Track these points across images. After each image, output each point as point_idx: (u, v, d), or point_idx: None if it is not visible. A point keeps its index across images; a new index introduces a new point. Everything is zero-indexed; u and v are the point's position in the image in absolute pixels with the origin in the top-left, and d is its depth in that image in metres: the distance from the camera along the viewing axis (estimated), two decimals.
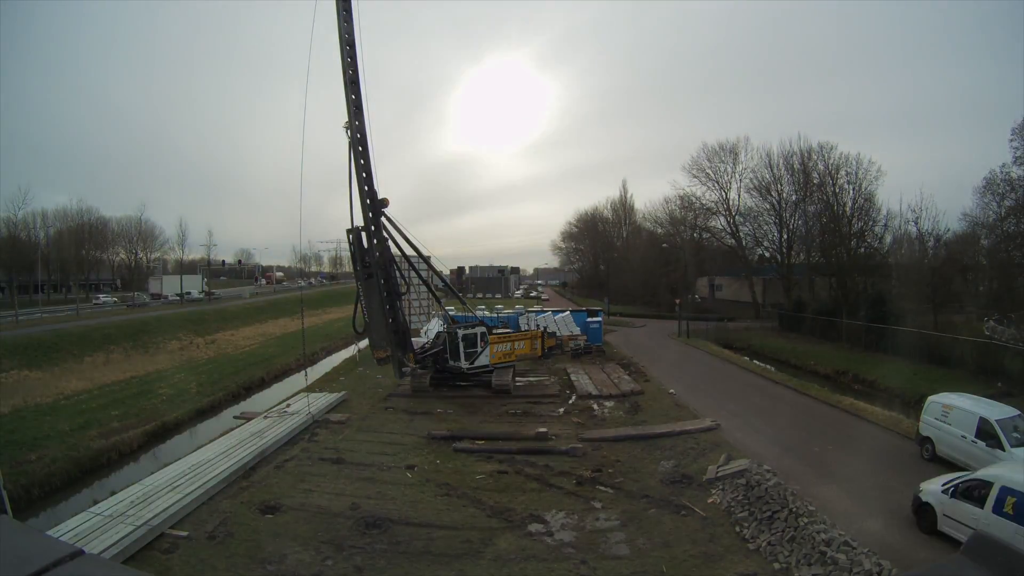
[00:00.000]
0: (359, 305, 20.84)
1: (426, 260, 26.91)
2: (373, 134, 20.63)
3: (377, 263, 20.56)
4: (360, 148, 20.34)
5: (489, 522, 11.35)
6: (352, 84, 20.00)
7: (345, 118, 19.95)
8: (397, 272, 22.19)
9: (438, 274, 30.80)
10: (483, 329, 23.01)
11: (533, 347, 24.67)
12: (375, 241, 20.70)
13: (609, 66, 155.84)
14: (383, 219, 21.09)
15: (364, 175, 20.48)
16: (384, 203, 21.04)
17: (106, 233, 68.39)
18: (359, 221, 20.77)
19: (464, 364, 22.04)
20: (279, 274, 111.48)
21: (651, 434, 16.54)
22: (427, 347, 23.37)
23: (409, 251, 23.06)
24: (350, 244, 20.83)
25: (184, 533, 10.77)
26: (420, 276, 26.27)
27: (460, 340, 22.11)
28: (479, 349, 22.41)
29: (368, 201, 20.48)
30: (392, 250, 21.64)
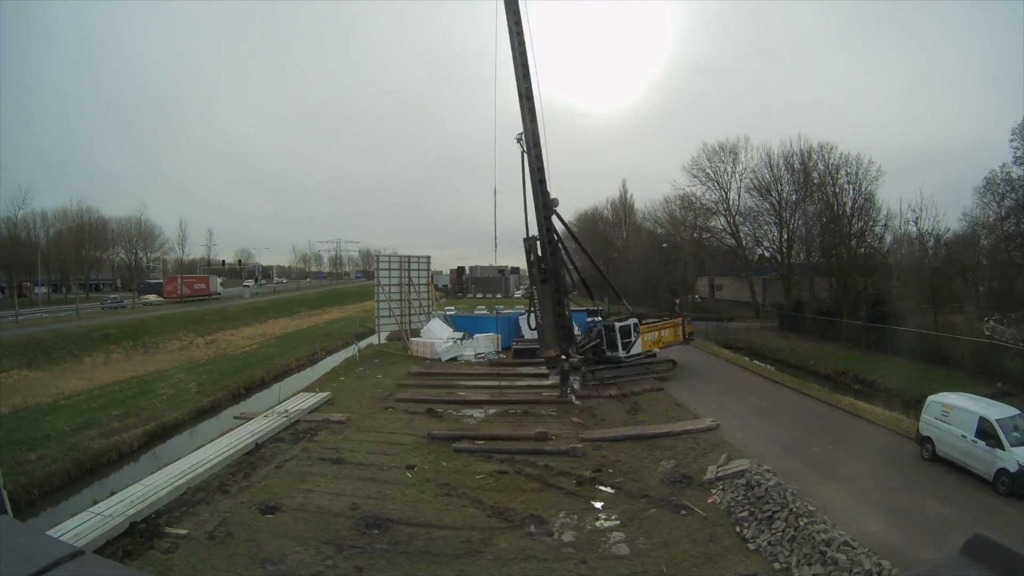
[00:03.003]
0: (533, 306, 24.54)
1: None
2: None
3: (550, 267, 23.62)
4: (535, 152, 23.14)
5: (489, 522, 11.34)
6: (527, 99, 22.75)
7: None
8: (565, 272, 25.26)
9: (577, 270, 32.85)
10: (635, 320, 25.18)
11: (677, 334, 26.63)
12: (548, 242, 23.60)
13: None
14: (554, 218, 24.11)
15: (539, 180, 23.28)
16: (555, 203, 23.85)
17: (106, 233, 68.36)
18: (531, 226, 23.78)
19: (622, 353, 24.12)
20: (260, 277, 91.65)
21: (651, 434, 16.54)
22: (583, 342, 25.64)
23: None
24: (527, 252, 23.86)
25: (184, 531, 10.80)
26: (576, 272, 28.89)
27: (617, 332, 24.15)
28: (633, 339, 24.50)
29: (543, 203, 23.30)
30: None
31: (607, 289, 34.91)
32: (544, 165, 23.70)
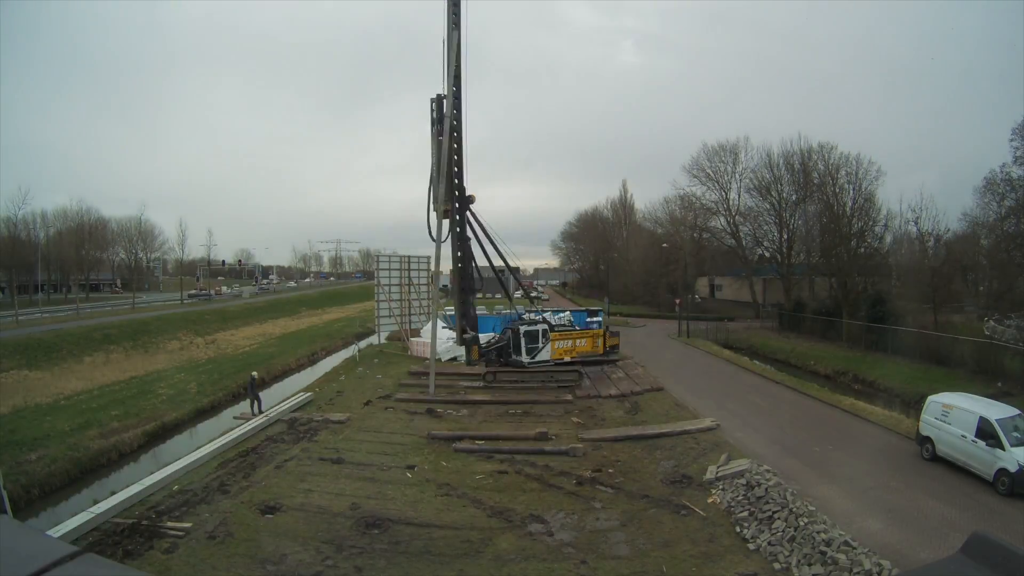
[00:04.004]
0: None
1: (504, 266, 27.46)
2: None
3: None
4: (455, 137, 21.97)
5: (489, 522, 11.34)
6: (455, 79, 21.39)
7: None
8: (475, 269, 23.83)
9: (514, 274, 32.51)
10: (545, 326, 23.38)
11: (595, 345, 24.65)
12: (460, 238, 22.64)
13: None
14: (468, 214, 22.81)
15: (456, 169, 22.19)
16: (471, 199, 22.61)
17: (106, 233, 68.38)
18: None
19: (525, 359, 22.64)
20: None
21: (651, 434, 16.54)
22: (492, 341, 24.30)
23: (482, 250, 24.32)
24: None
25: (188, 524, 10.86)
26: (497, 273, 27.32)
27: (522, 337, 22.71)
28: (540, 345, 22.90)
29: (456, 194, 22.16)
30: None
31: (606, 289, 34.87)
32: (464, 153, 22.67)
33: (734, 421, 17.77)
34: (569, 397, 21.14)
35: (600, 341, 24.80)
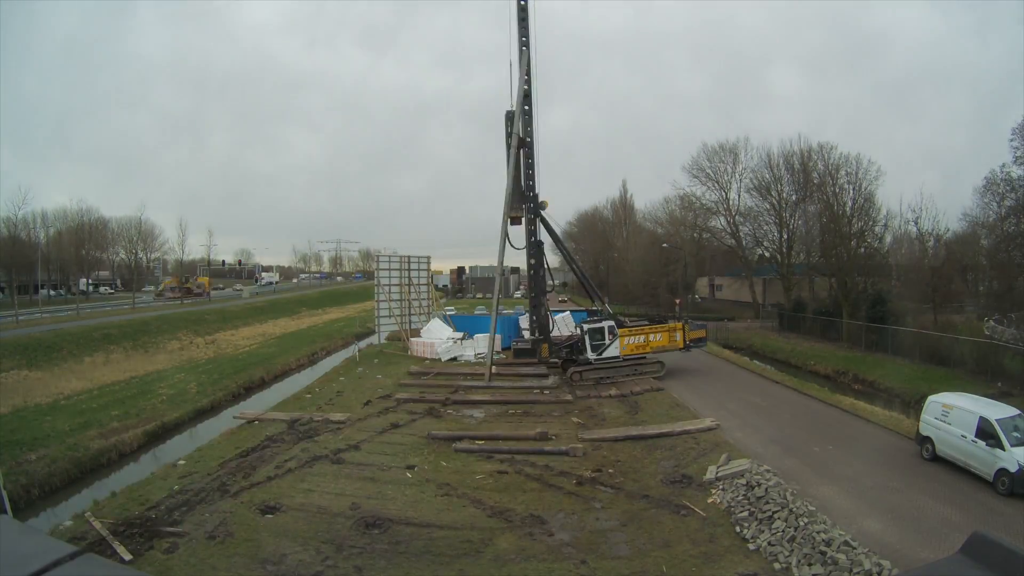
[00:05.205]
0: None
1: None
2: None
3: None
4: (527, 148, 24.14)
5: (489, 522, 11.34)
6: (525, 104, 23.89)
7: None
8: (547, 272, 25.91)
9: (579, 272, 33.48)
10: (611, 323, 24.23)
11: (673, 339, 24.64)
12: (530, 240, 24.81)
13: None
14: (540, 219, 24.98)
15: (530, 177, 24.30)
16: (543, 205, 24.57)
17: (106, 233, 68.36)
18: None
19: (591, 355, 23.51)
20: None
21: (651, 434, 16.53)
22: (562, 341, 25.59)
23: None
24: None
25: (188, 524, 10.87)
26: (578, 270, 29.59)
27: (586, 334, 23.71)
28: (607, 342, 23.63)
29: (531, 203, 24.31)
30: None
31: (606, 289, 35.11)
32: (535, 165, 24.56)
33: (734, 421, 17.76)
34: (569, 397, 21.15)
35: (679, 335, 24.78)
